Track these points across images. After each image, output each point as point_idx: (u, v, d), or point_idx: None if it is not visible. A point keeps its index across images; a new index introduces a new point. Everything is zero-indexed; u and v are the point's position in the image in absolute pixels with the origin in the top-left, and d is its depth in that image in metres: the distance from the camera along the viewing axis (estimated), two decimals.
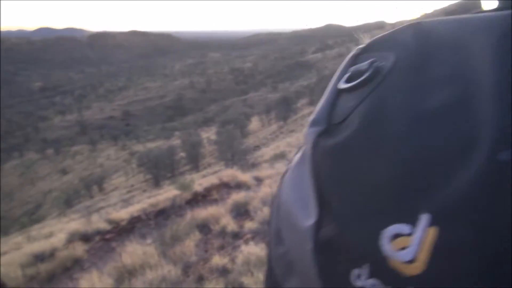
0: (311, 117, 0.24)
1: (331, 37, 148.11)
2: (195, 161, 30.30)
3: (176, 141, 39.90)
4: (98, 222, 5.58)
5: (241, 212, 4.86)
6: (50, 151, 58.83)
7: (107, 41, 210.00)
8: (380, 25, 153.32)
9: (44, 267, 4.11)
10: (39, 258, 4.36)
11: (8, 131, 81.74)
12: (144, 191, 26.30)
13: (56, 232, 8.16)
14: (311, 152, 0.22)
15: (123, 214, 6.16)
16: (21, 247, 7.60)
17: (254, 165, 10.74)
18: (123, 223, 5.18)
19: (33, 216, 32.90)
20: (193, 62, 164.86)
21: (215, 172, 17.89)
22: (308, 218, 0.21)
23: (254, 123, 47.37)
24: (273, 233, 0.26)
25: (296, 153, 0.26)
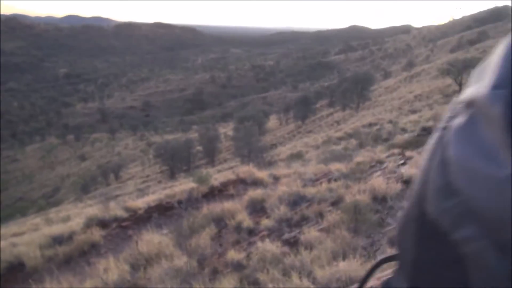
0: (490, 80, 0.26)
1: (355, 39, 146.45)
2: (211, 156, 30.44)
3: (193, 135, 40.14)
4: (115, 209, 5.65)
5: (257, 208, 4.86)
6: (70, 137, 59.99)
7: (133, 31, 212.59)
8: (406, 29, 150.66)
9: (62, 250, 4.19)
10: (57, 240, 4.45)
11: (32, 115, 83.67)
12: (159, 182, 26.56)
13: (74, 217, 8.32)
14: (500, 110, 0.24)
15: (139, 203, 6.22)
16: (39, 229, 7.78)
17: (270, 163, 10.71)
18: (140, 211, 5.23)
19: (50, 199, 33.65)
20: (215, 57, 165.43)
21: (231, 168, 17.94)
22: (501, 168, 0.23)
23: (272, 121, 47.25)
24: (435, 189, 0.29)
25: (453, 117, 0.29)
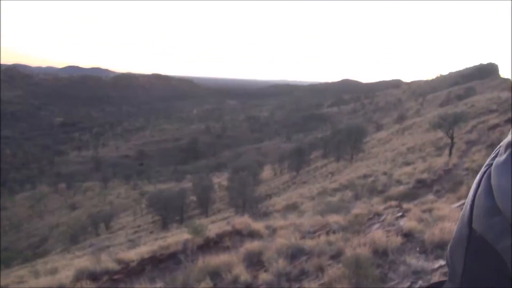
0: None
1: (347, 92, 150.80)
2: (205, 206, 29.99)
3: (187, 184, 39.79)
4: (106, 261, 5.46)
5: (254, 261, 4.71)
6: (62, 185, 59.17)
7: (130, 82, 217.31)
8: (396, 84, 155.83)
9: None
10: None
11: (24, 163, 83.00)
12: (151, 232, 25.91)
13: (62, 268, 7.99)
14: None
15: (131, 254, 6.03)
16: (24, 281, 7.43)
17: (266, 214, 10.56)
18: (133, 264, 5.05)
19: (38, 250, 32.47)
20: (210, 107, 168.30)
21: (225, 218, 17.62)
22: None
23: (267, 172, 47.18)
24: (482, 210, 0.40)
25: (495, 156, 0.41)
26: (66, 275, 5.30)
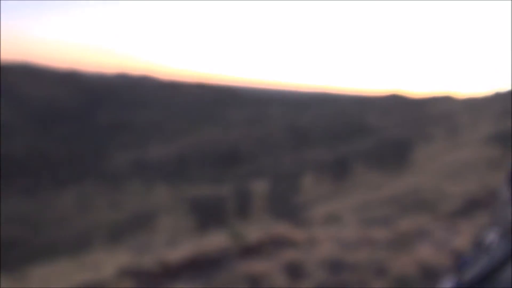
0: None
1: (395, 104, 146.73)
2: (244, 212, 30.08)
3: (227, 190, 40.10)
4: (146, 261, 5.54)
5: (293, 271, 4.59)
6: (107, 185, 61.68)
7: (176, 90, 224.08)
8: (447, 98, 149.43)
9: None
10: None
11: (70, 162, 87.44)
12: (192, 235, 26.27)
13: (104, 265, 8.25)
14: None
15: (172, 256, 6.08)
16: (69, 275, 7.72)
17: (306, 223, 10.35)
18: (172, 265, 5.08)
19: (81, 245, 33.90)
20: (252, 115, 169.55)
21: (265, 226, 17.48)
22: None
23: (308, 181, 46.56)
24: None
25: None
26: (107, 270, 5.43)
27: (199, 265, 5.23)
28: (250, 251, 6.19)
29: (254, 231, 9.48)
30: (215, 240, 8.85)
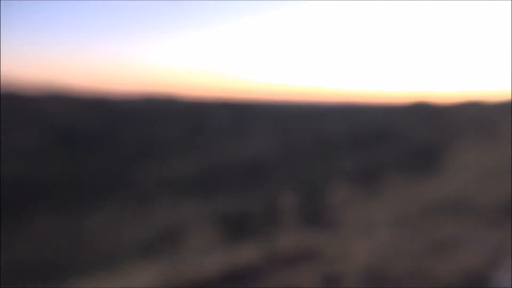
0: None
1: (421, 113, 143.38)
2: (275, 224, 29.86)
3: (256, 202, 39.97)
4: (181, 274, 5.56)
5: (332, 283, 4.49)
6: (134, 201, 62.66)
7: (199, 110, 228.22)
8: (475, 103, 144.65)
9: None
10: None
11: (96, 182, 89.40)
12: (224, 249, 26.21)
13: (140, 279, 8.30)
14: None
15: (206, 269, 6.08)
16: None
17: (340, 234, 10.16)
18: (208, 279, 5.09)
19: (113, 262, 34.41)
20: (275, 129, 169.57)
21: (297, 238, 17.25)
22: None
23: (338, 192, 45.88)
24: None
25: None
26: (145, 284, 5.47)
27: (233, 278, 5.21)
28: (284, 263, 6.12)
29: (286, 243, 9.40)
30: (247, 253, 8.82)
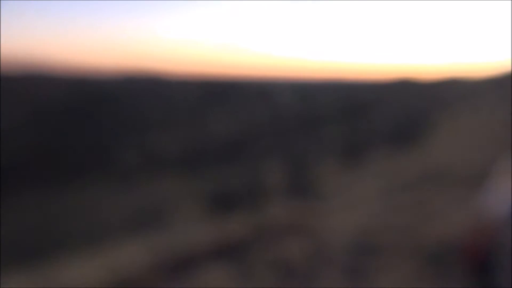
0: None
1: (404, 90, 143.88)
2: (261, 199, 30.13)
3: (242, 178, 40.16)
4: (170, 249, 5.55)
5: (319, 255, 4.54)
6: (119, 178, 62.29)
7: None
8: (456, 80, 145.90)
9: None
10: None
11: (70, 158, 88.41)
12: (212, 223, 26.37)
13: (127, 254, 8.29)
14: None
15: (195, 242, 6.08)
16: (90, 265, 7.78)
17: (326, 207, 10.28)
18: (197, 252, 5.09)
19: (98, 237, 34.36)
20: (258, 107, 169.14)
21: (284, 212, 17.42)
22: None
23: (323, 167, 46.36)
24: None
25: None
26: (134, 259, 5.45)
27: (223, 251, 5.22)
28: (270, 236, 6.15)
29: (273, 216, 9.46)
30: (235, 227, 8.86)
